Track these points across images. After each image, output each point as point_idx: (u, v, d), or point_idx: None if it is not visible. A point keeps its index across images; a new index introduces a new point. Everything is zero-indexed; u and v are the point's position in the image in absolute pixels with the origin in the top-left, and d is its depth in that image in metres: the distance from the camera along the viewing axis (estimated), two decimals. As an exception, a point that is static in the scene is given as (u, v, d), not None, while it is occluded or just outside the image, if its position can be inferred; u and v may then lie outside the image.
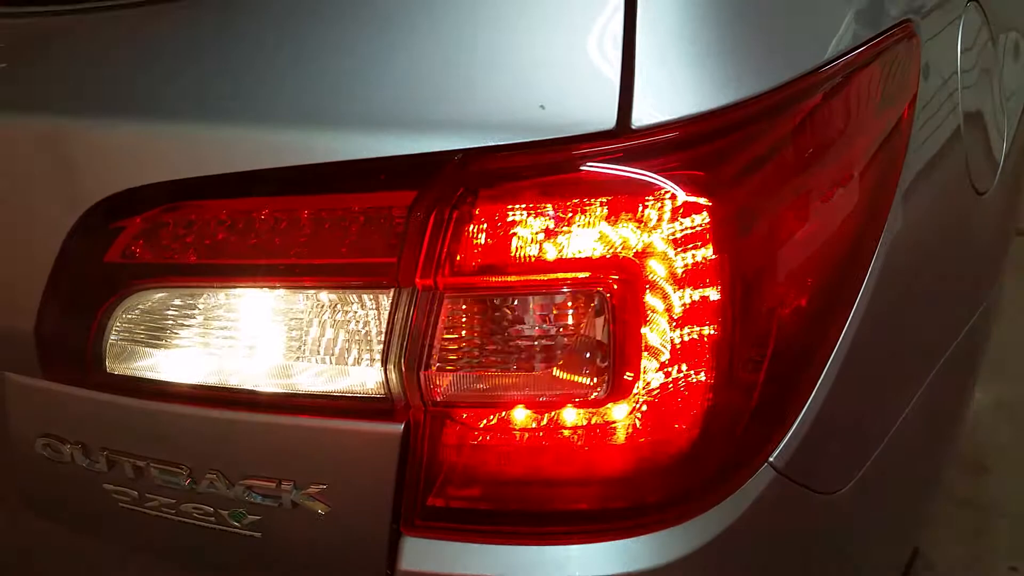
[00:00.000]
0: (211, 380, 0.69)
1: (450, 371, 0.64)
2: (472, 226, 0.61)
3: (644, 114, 0.60)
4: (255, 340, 0.68)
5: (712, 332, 0.63)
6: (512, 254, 0.61)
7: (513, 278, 0.62)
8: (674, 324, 0.63)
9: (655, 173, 0.61)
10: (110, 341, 0.70)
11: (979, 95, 1.06)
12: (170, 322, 0.69)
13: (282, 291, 0.66)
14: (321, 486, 0.69)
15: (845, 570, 0.92)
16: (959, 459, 2.12)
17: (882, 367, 0.85)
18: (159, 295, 0.68)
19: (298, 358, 0.67)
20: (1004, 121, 1.19)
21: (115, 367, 0.71)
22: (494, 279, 0.62)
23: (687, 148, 0.61)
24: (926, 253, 0.91)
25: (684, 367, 0.63)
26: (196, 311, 0.68)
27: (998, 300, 1.27)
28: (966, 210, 1.03)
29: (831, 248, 0.71)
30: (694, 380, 0.64)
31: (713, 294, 0.62)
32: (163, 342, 0.70)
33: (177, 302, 0.68)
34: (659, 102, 0.61)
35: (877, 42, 0.77)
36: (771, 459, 0.70)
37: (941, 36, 0.94)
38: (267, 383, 0.68)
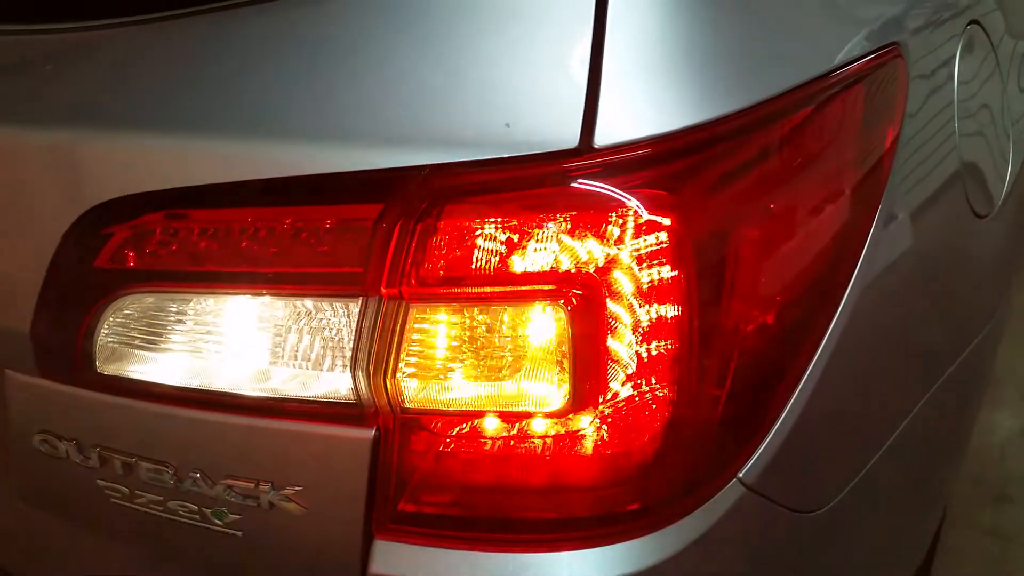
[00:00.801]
0: (193, 382, 0.72)
1: (415, 378, 0.66)
2: (436, 238, 0.63)
3: (607, 133, 0.62)
4: (235, 345, 0.71)
5: (671, 347, 0.64)
6: (475, 266, 0.63)
7: (475, 290, 0.64)
8: (634, 338, 0.64)
9: (617, 191, 0.62)
10: (99, 342, 0.73)
11: (980, 117, 1.06)
12: (155, 326, 0.72)
13: (261, 298, 0.69)
14: (297, 488, 0.71)
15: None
16: (981, 487, 2.08)
17: (866, 389, 0.85)
18: (146, 300, 0.72)
19: (276, 363, 0.70)
20: (1009, 144, 1.18)
21: (105, 367, 0.74)
22: (457, 290, 0.64)
23: (649, 167, 0.63)
24: (918, 274, 0.91)
25: (644, 381, 0.65)
26: (179, 316, 0.71)
27: (1004, 323, 1.26)
28: (964, 233, 1.03)
29: (801, 269, 0.72)
30: (654, 394, 0.65)
31: (673, 311, 0.63)
32: (148, 345, 0.73)
33: (162, 307, 0.72)
34: (623, 122, 0.62)
35: (858, 65, 0.78)
36: (740, 475, 0.71)
37: (935, 58, 0.94)
38: (246, 386, 0.71)
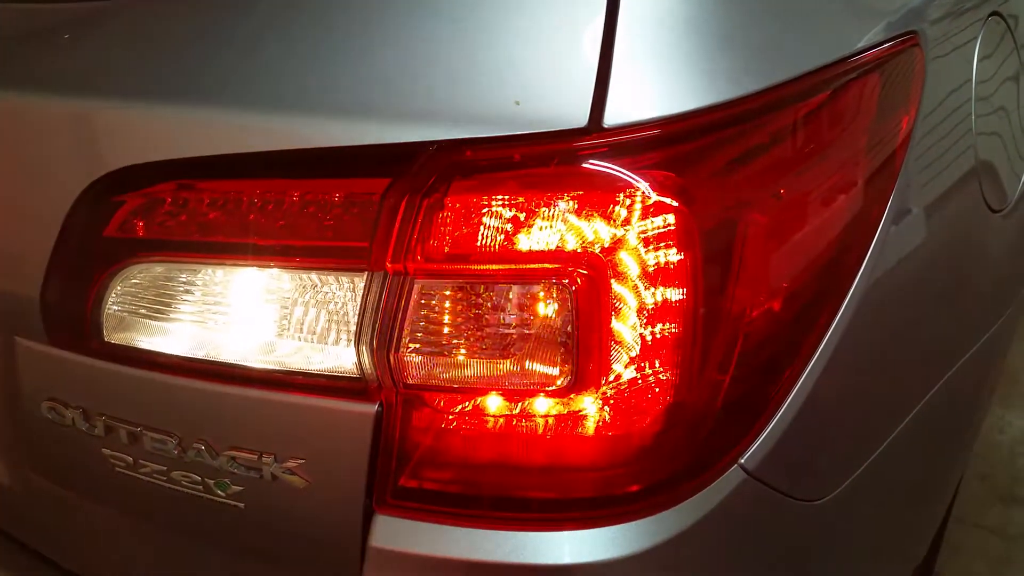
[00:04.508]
0: (199, 353, 0.72)
1: (419, 354, 0.66)
2: (443, 214, 0.63)
3: (617, 113, 0.61)
4: (241, 316, 0.71)
5: (675, 330, 0.64)
6: (480, 243, 0.63)
7: (481, 267, 0.64)
8: (639, 320, 0.64)
9: (625, 171, 0.62)
10: (107, 311, 0.74)
11: (998, 109, 1.05)
12: (163, 296, 0.73)
13: (267, 270, 0.69)
14: (300, 460, 0.71)
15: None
16: (990, 485, 2.07)
17: (872, 380, 0.85)
18: (153, 269, 0.72)
19: (281, 335, 0.70)
20: (1027, 138, 1.16)
21: (112, 336, 0.75)
22: (462, 267, 0.64)
23: (657, 148, 0.62)
24: (929, 266, 0.90)
25: (647, 363, 0.65)
26: (187, 286, 0.72)
27: (1018, 319, 1.24)
28: (978, 226, 1.02)
29: (809, 256, 0.71)
30: (657, 376, 0.65)
31: (678, 293, 0.63)
32: (156, 315, 0.73)
33: (170, 277, 0.72)
34: (633, 102, 0.62)
35: (874, 52, 0.77)
36: (741, 460, 0.71)
37: (953, 48, 0.93)
38: (251, 358, 0.71)
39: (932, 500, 1.16)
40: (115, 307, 0.74)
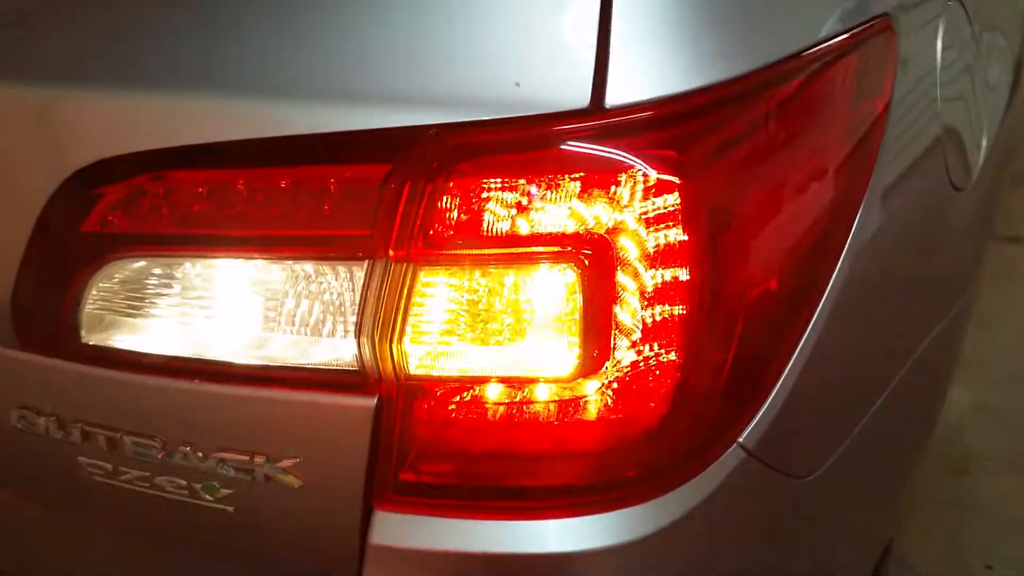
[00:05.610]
0: (185, 352, 0.70)
1: (422, 344, 0.65)
2: (446, 200, 0.62)
3: (618, 94, 0.61)
4: (231, 311, 0.69)
5: (680, 311, 0.64)
6: (484, 228, 0.62)
7: (485, 252, 0.63)
8: (643, 302, 0.63)
9: (627, 152, 0.61)
10: (86, 311, 0.70)
11: (960, 92, 1.08)
12: (146, 293, 0.70)
13: (258, 262, 0.67)
14: (294, 459, 0.69)
15: (816, 556, 0.93)
16: (941, 461, 2.14)
17: (853, 357, 0.86)
18: (136, 265, 0.69)
19: (273, 330, 0.68)
20: (984, 119, 1.20)
21: (91, 338, 0.71)
22: (466, 252, 0.63)
23: (660, 128, 0.62)
24: (901, 244, 0.92)
25: (652, 345, 0.64)
26: (172, 282, 0.69)
27: (975, 298, 1.29)
28: (943, 205, 1.05)
29: (802, 234, 0.72)
30: (662, 358, 0.65)
31: (682, 274, 0.63)
32: (139, 313, 0.70)
33: (153, 272, 0.69)
34: (634, 82, 0.61)
35: (854, 34, 0.78)
36: (741, 440, 0.71)
37: (920, 31, 0.95)
38: (241, 355, 0.69)
39: (902, 475, 1.19)
40: (94, 306, 0.70)
